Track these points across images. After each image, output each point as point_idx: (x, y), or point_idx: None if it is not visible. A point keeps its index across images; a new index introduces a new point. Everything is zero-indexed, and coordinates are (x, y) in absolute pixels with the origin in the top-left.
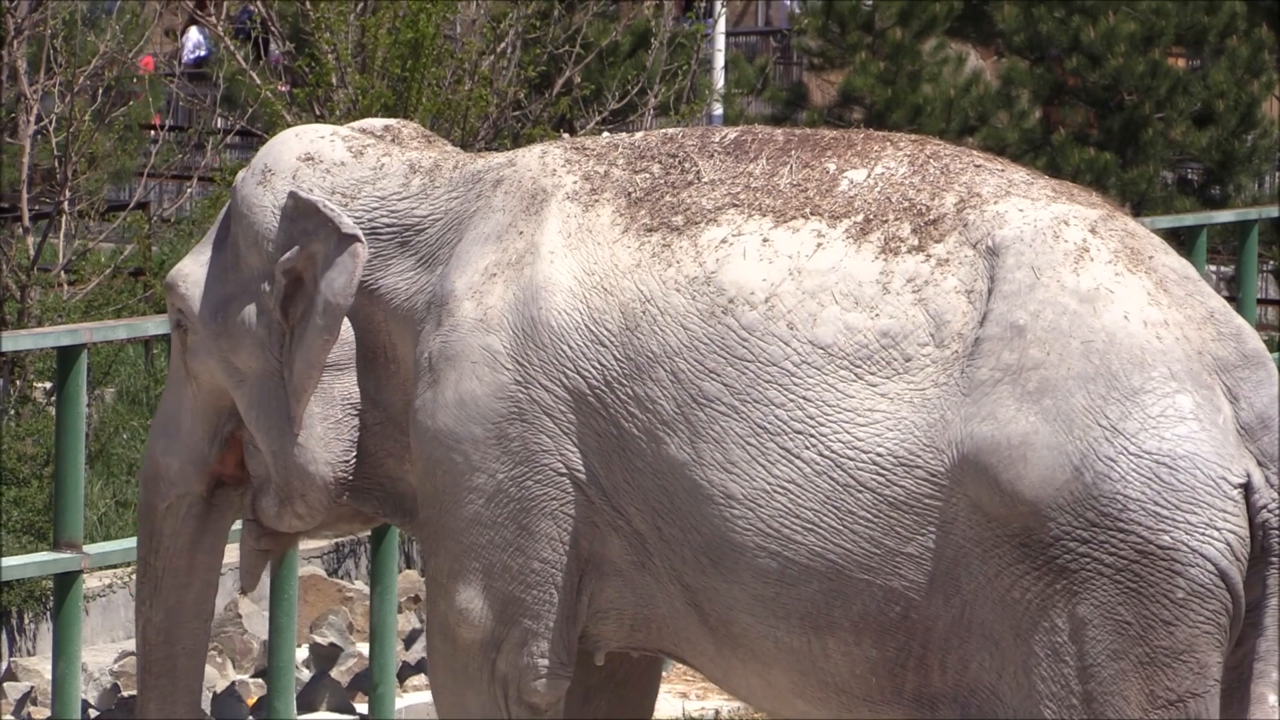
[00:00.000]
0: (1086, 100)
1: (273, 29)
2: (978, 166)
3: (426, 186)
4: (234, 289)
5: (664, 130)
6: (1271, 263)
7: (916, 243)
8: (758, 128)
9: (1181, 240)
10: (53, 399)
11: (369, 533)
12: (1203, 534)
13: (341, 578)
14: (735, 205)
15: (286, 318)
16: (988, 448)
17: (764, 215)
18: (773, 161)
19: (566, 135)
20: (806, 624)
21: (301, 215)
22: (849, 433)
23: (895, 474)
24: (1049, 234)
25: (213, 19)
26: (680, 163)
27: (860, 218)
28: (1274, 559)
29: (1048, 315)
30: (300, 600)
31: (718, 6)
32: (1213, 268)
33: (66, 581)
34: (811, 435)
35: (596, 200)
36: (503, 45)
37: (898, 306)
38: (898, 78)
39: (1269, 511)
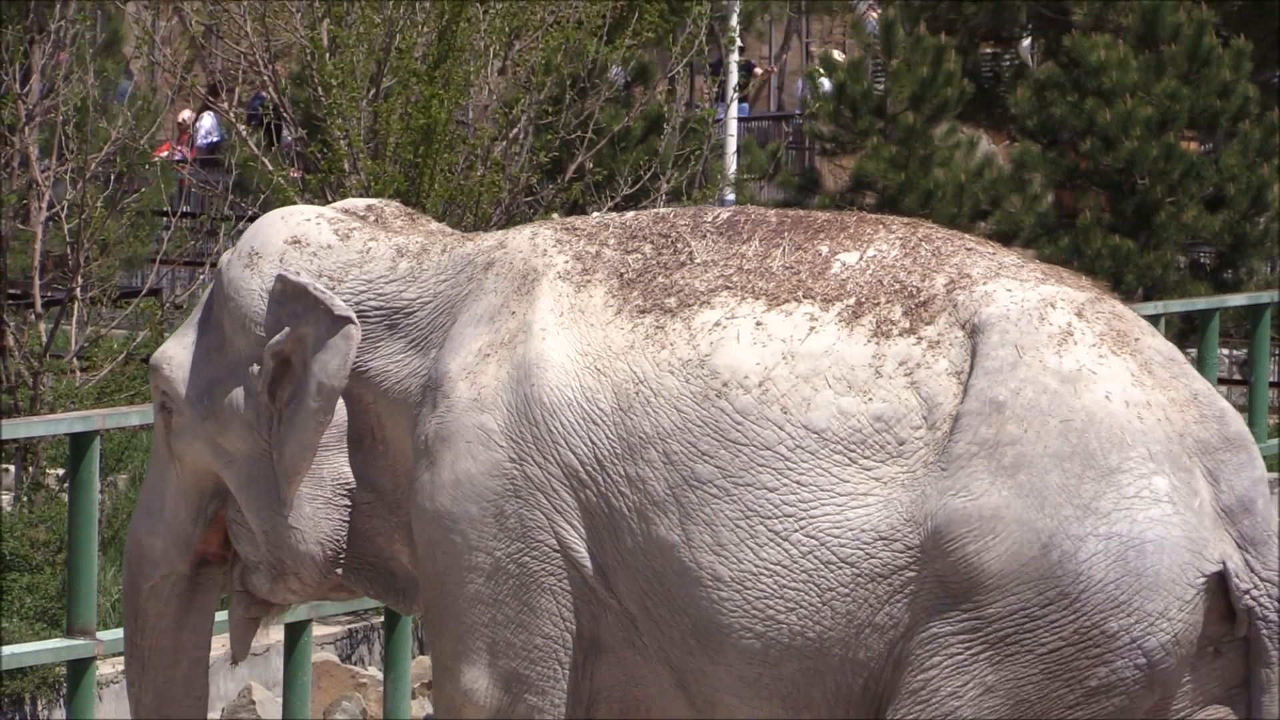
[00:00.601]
0: (1100, 184)
1: (285, 115)
2: (969, 249)
3: (414, 269)
4: (220, 371)
5: (655, 210)
6: None
7: (908, 325)
8: (750, 208)
9: (1195, 324)
10: (65, 485)
11: (382, 619)
12: (1151, 624)
13: (355, 664)
14: (728, 287)
15: (274, 400)
16: (958, 520)
17: (757, 298)
18: (765, 243)
19: (557, 216)
20: (788, 704)
21: (290, 298)
22: (841, 514)
23: (875, 548)
24: (1034, 315)
25: (225, 105)
26: (673, 243)
27: (852, 300)
28: (1268, 640)
29: (1028, 393)
30: (314, 686)
31: (729, 92)
32: (1225, 351)
33: (80, 668)
34: (802, 518)
35: (589, 280)
36: (515, 130)
37: (890, 390)
38: (910, 162)
39: (1251, 597)
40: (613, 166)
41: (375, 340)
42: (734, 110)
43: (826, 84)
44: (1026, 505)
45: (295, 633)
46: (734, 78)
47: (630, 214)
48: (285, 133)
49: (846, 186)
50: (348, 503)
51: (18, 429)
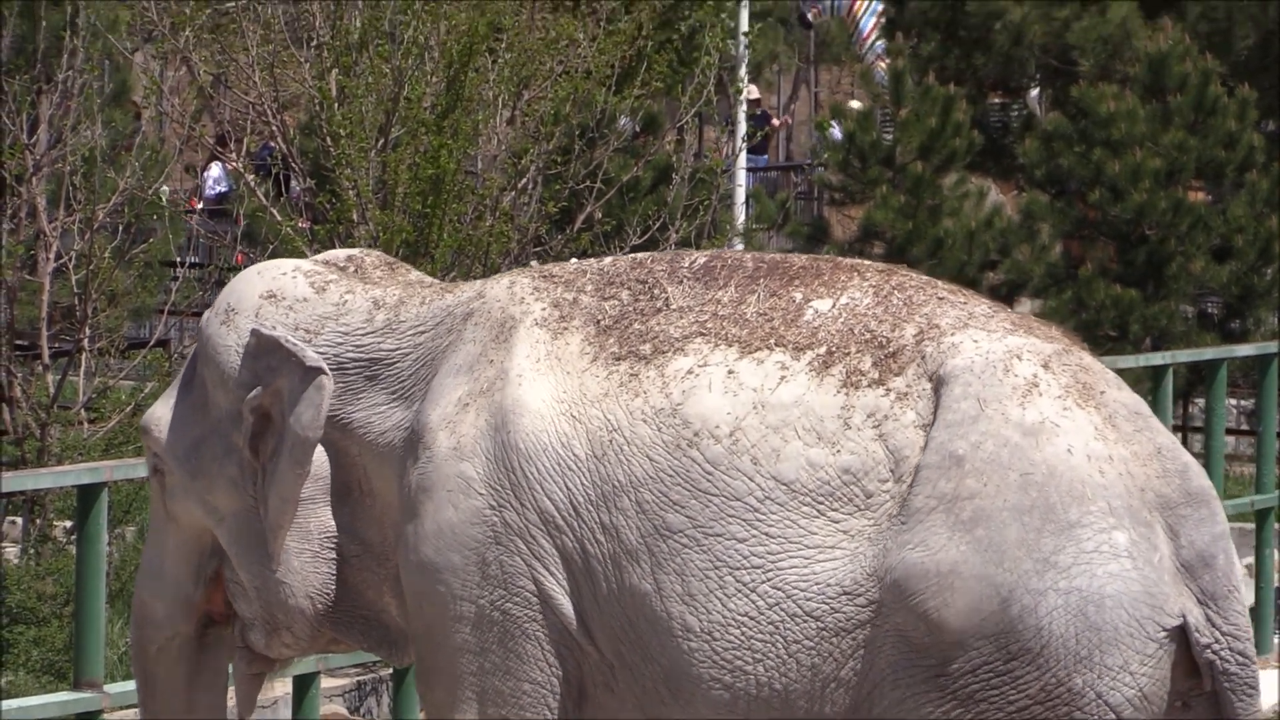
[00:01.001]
0: (1108, 234)
1: (294, 165)
2: (940, 299)
3: (391, 321)
4: (205, 429)
5: (634, 255)
6: None
7: (877, 376)
8: (728, 252)
9: (1202, 374)
10: (73, 537)
11: (390, 670)
12: (1114, 679)
13: (364, 716)
14: (703, 334)
15: (257, 455)
16: (917, 574)
17: (730, 345)
18: (741, 289)
19: (535, 264)
20: None
21: (265, 352)
22: (808, 567)
23: (839, 602)
24: (999, 367)
25: (233, 155)
26: (650, 289)
27: (823, 350)
28: (1231, 694)
29: (988, 447)
30: None
31: (738, 142)
32: (1233, 401)
33: None
34: (770, 570)
35: (565, 328)
36: (524, 181)
37: (859, 442)
38: (918, 212)
39: (1212, 651)
40: (622, 216)
41: (356, 392)
42: (742, 160)
43: (837, 133)
44: (985, 560)
45: (303, 685)
46: (742, 128)
47: (609, 260)
48: (294, 183)
49: (855, 236)
50: (335, 555)
51: (25, 480)
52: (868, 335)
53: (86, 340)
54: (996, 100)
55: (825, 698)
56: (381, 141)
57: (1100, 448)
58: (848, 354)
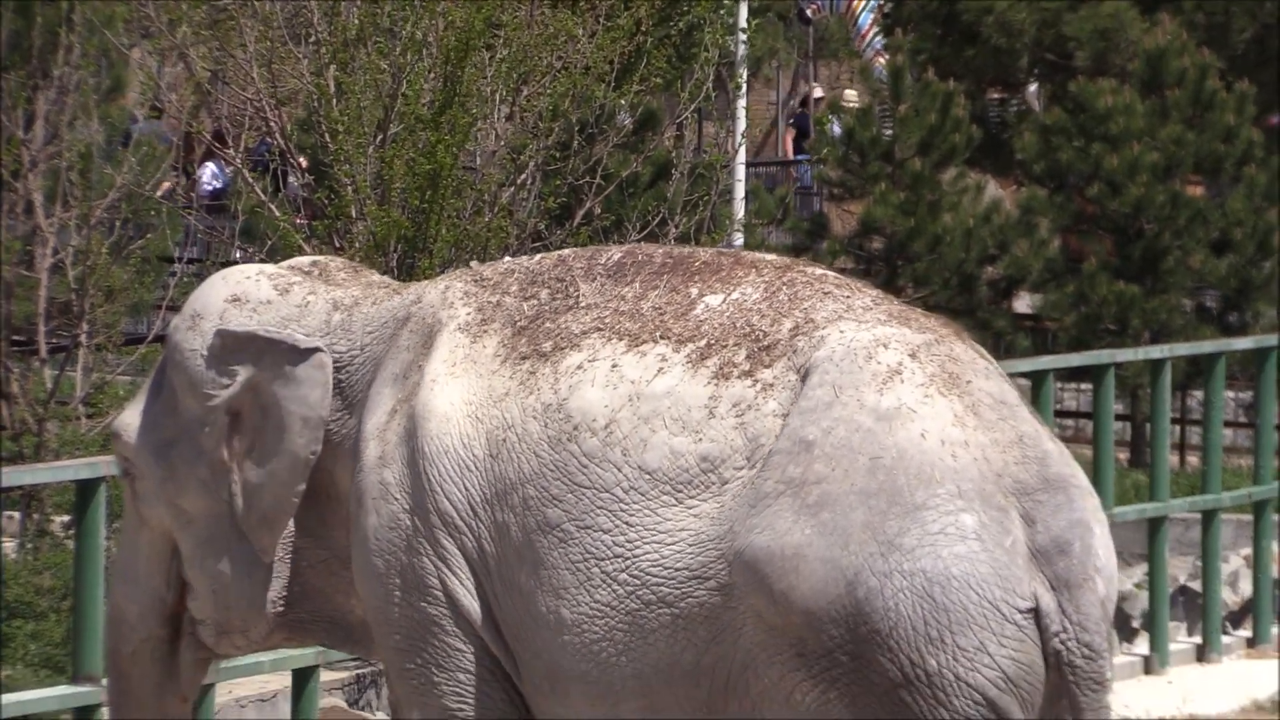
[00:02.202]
0: (1107, 229)
1: (291, 161)
2: (826, 293)
3: (346, 322)
4: (174, 433)
5: (560, 252)
6: None
7: (748, 368)
8: (642, 248)
9: (1201, 368)
10: (71, 532)
11: None
12: (970, 660)
13: (363, 709)
14: (599, 329)
15: (231, 455)
16: (763, 558)
17: (620, 339)
18: (645, 285)
19: (474, 264)
20: None
21: (235, 349)
22: (658, 552)
23: (689, 587)
24: (861, 355)
25: (230, 152)
26: (565, 286)
27: (703, 343)
28: (1075, 686)
29: (840, 432)
30: None
31: (737, 138)
32: (1231, 394)
33: (86, 715)
34: (628, 559)
35: (485, 330)
36: (523, 176)
37: (719, 431)
38: (918, 207)
39: (1060, 640)
40: (621, 212)
41: None
42: (741, 155)
43: (836, 128)
44: (830, 543)
45: (302, 679)
46: (741, 124)
47: (537, 258)
48: (291, 179)
49: (855, 231)
50: (298, 561)
51: (23, 476)
52: (748, 329)
53: (84, 336)
54: (995, 96)
55: (693, 681)
56: (379, 137)
57: (957, 433)
58: (725, 347)
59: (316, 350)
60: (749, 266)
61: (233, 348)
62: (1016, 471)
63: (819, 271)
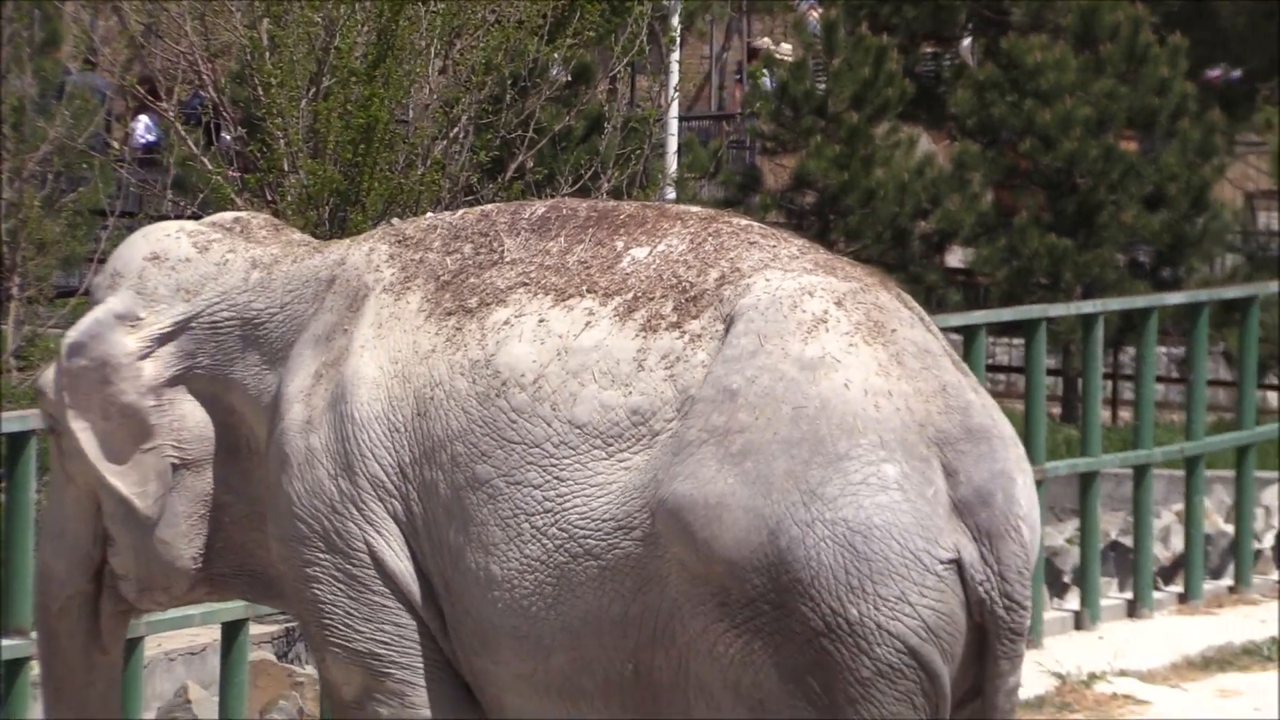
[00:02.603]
0: (1039, 183)
1: (224, 114)
2: (752, 243)
3: (265, 280)
4: None
5: (483, 207)
6: (1222, 344)
7: (675, 319)
8: (566, 202)
9: (1133, 323)
10: (1, 485)
11: None
12: (892, 609)
13: (292, 662)
14: (525, 284)
15: None
16: (686, 506)
17: (546, 294)
18: (570, 239)
19: (395, 221)
20: (562, 696)
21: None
22: (587, 505)
23: (615, 538)
24: (786, 304)
25: (163, 105)
26: (490, 241)
27: (630, 295)
28: (993, 636)
29: (764, 381)
30: (250, 685)
31: (670, 91)
32: (1163, 350)
33: (15, 668)
34: (558, 513)
35: (409, 288)
36: (456, 130)
37: (649, 383)
38: (851, 161)
39: (983, 589)
40: (554, 166)
41: (236, 351)
42: (674, 109)
43: (769, 82)
44: (753, 492)
45: (232, 632)
46: (674, 77)
47: (460, 213)
48: (224, 132)
49: (788, 185)
50: (221, 518)
51: None
52: (674, 280)
53: (15, 289)
54: (929, 50)
55: (622, 632)
56: (313, 90)
57: (880, 383)
58: (652, 299)
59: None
60: (674, 219)
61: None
62: (939, 421)
63: (744, 222)
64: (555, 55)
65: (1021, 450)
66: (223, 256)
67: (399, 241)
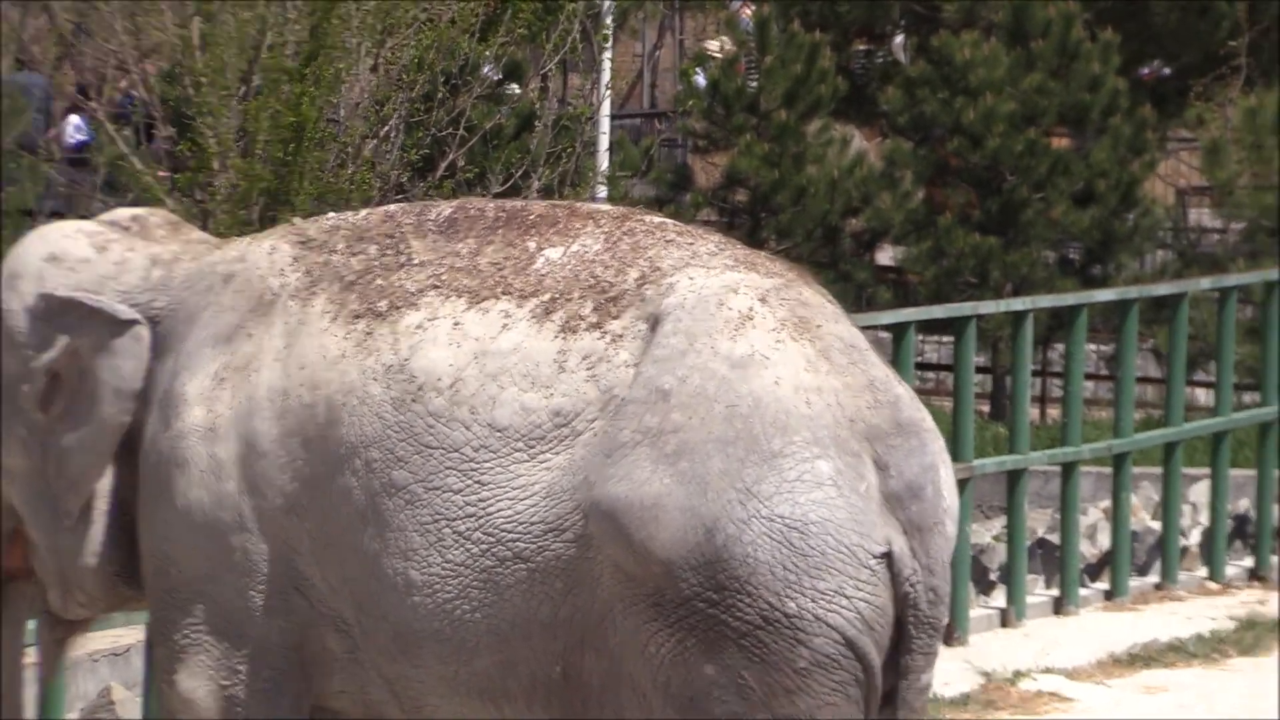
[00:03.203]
0: (968, 180)
1: (155, 114)
2: (669, 241)
3: (164, 278)
4: None
5: (387, 208)
6: (1151, 341)
7: (595, 320)
8: (473, 202)
9: (1062, 320)
10: None
11: None
12: (829, 602)
13: None
14: (436, 287)
15: (46, 415)
16: (622, 508)
17: (460, 297)
18: (479, 240)
19: (298, 221)
20: (485, 698)
21: (59, 313)
22: (512, 508)
23: (545, 540)
24: (712, 302)
25: (94, 104)
26: (396, 243)
27: (547, 297)
28: (913, 629)
29: (695, 380)
30: None
31: (602, 89)
32: (1093, 346)
33: None
34: (481, 517)
35: (314, 293)
36: (386, 128)
37: (571, 384)
38: (782, 159)
39: (910, 583)
40: (485, 164)
41: None
42: (606, 107)
43: (701, 80)
44: (689, 492)
45: None
46: (606, 75)
47: (363, 213)
48: (155, 131)
49: (719, 183)
50: (124, 514)
51: None
52: (592, 281)
53: None
54: (861, 47)
55: (550, 634)
56: (243, 89)
57: (809, 379)
58: (570, 300)
59: (135, 323)
60: (585, 218)
61: (60, 309)
62: (869, 416)
63: (658, 220)
64: (487, 53)
65: (943, 442)
66: (121, 256)
67: (302, 243)
